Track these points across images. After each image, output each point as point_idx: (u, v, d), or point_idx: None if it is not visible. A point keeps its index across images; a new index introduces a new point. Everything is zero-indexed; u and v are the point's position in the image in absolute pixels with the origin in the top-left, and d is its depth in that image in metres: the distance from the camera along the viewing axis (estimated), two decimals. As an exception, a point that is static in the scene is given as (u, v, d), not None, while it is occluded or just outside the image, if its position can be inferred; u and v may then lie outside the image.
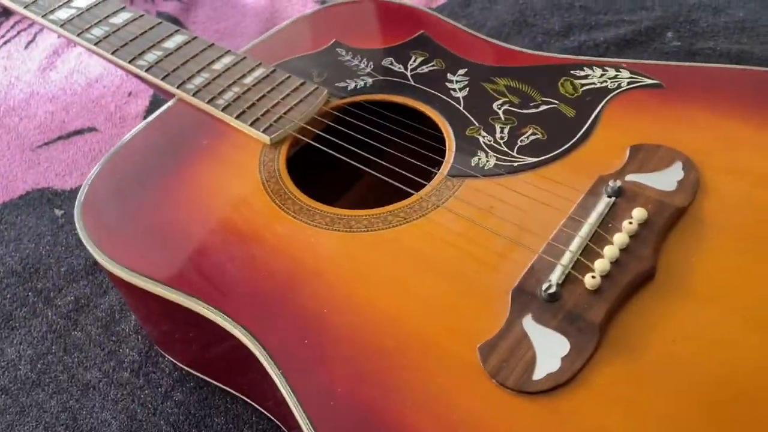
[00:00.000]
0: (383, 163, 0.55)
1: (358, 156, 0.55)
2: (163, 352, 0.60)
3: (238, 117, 0.58)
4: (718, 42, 0.87)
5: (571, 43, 0.88)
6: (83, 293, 0.65)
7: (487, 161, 0.53)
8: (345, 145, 0.56)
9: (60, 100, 0.86)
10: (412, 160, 0.55)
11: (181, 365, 0.59)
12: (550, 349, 0.40)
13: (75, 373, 0.60)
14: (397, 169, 0.54)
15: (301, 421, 0.39)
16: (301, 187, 0.53)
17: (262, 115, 0.58)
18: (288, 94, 0.60)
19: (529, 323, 0.42)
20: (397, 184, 0.52)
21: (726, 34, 0.88)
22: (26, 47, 0.95)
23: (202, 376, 0.58)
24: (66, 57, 0.92)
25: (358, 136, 0.57)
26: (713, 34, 0.88)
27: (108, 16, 0.70)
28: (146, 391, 0.58)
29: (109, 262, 0.49)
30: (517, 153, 0.53)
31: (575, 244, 0.45)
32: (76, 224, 0.52)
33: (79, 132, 0.82)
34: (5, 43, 0.96)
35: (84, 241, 0.51)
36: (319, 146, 0.57)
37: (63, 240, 0.70)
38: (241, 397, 0.56)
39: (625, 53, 0.87)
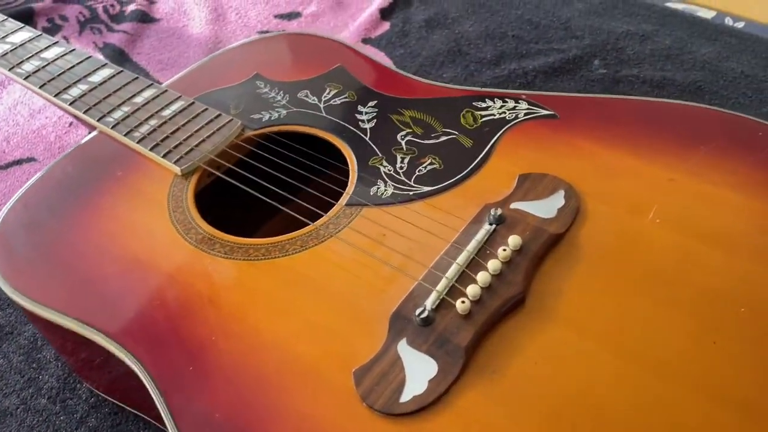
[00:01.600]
0: (290, 196, 0.57)
1: (269, 188, 0.57)
2: (80, 379, 0.62)
3: (152, 149, 0.60)
4: (643, 69, 0.90)
5: (502, 71, 0.91)
6: (8, 321, 0.67)
7: (385, 191, 0.55)
8: (255, 179, 0.58)
9: (2, 131, 0.88)
10: (319, 194, 0.57)
11: (97, 391, 0.61)
12: (419, 372, 0.42)
13: (-6, 400, 0.61)
14: (303, 203, 0.56)
15: (177, 445, 0.41)
16: (221, 220, 0.55)
17: (175, 147, 0.60)
18: (202, 126, 0.62)
19: (403, 347, 0.44)
20: (300, 217, 0.54)
21: (651, 61, 0.91)
22: (-26, 79, 0.97)
23: (115, 401, 0.60)
24: (12, 89, 0.94)
25: (270, 171, 0.59)
26: (638, 61, 0.91)
27: (40, 51, 0.72)
28: (62, 418, 0.59)
29: (11, 291, 0.51)
30: (414, 182, 0.55)
31: (452, 270, 0.47)
32: (-14, 255, 0.54)
33: (17, 162, 0.84)
34: (-46, 74, 0.98)
35: (-8, 272, 0.52)
36: (229, 179, 0.59)
37: (-7, 269, 0.72)
38: (153, 422, 0.58)
39: (553, 81, 0.90)
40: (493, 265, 0.46)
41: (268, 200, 0.57)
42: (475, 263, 0.47)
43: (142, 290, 0.50)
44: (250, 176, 0.58)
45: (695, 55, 0.91)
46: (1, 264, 0.53)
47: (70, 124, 0.88)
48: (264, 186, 0.58)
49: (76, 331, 0.49)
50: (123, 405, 0.59)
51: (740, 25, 0.99)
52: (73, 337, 0.51)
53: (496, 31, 0.98)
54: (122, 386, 0.57)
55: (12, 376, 0.63)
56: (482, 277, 0.46)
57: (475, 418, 0.40)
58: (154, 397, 0.44)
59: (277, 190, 0.57)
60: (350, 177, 0.57)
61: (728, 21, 1.00)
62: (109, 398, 0.60)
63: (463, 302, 0.44)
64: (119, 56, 0.98)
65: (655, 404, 0.40)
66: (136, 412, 0.58)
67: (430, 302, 0.45)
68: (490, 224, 0.50)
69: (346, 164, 0.58)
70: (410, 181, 0.55)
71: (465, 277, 0.46)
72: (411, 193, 0.54)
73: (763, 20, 0.99)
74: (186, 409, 0.43)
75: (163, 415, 0.43)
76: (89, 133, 0.65)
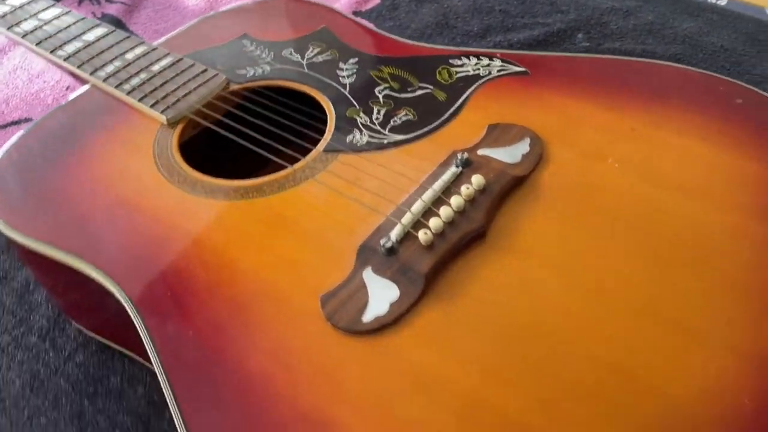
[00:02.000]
0: (275, 144, 0.60)
1: (254, 139, 0.60)
2: (69, 319, 0.65)
3: (141, 100, 0.62)
4: (625, 43, 0.92)
5: (487, 43, 0.93)
6: (2, 267, 0.70)
7: (361, 139, 0.57)
8: (240, 127, 0.61)
9: (1, 93, 0.91)
10: (301, 142, 0.59)
11: (85, 331, 0.64)
12: (382, 296, 0.45)
13: (-14, 339, 0.64)
14: (286, 150, 0.58)
15: (153, 360, 0.44)
16: (213, 172, 0.57)
17: (163, 98, 0.62)
18: (189, 80, 0.64)
19: (368, 274, 0.46)
20: (283, 162, 0.56)
21: (633, 35, 0.94)
22: (-25, 46, 1.00)
23: (103, 339, 0.62)
24: (12, 55, 0.97)
25: (257, 121, 0.62)
26: (621, 35, 0.94)
27: (38, 12, 0.75)
28: (50, 354, 0.62)
29: (6, 227, 0.54)
30: (388, 132, 0.58)
31: (417, 206, 0.49)
32: (-20, 196, 0.56)
33: (16, 123, 0.87)
34: (-43, 42, 1.01)
35: (-14, 210, 0.55)
36: (216, 128, 0.62)
37: (-11, 220, 0.75)
38: (138, 359, 0.60)
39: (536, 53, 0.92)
40: (456, 201, 0.49)
41: (253, 148, 0.59)
42: (439, 201, 0.50)
43: (128, 226, 0.53)
44: (236, 125, 0.61)
45: (677, 30, 0.94)
46: (-5, 201, 0.56)
47: (67, 87, 0.91)
48: (249, 137, 0.60)
49: (65, 263, 0.51)
50: (111, 343, 0.62)
51: (723, 2, 1.01)
52: (64, 275, 0.54)
53: (484, 5, 1.00)
54: (110, 324, 0.59)
55: (4, 316, 0.66)
56: (445, 211, 0.48)
57: (431, 335, 0.43)
58: (132, 317, 0.46)
59: (262, 138, 0.60)
60: (328, 126, 0.59)
61: (712, -1, 1.02)
62: (98, 337, 0.63)
63: (426, 234, 0.47)
64: (116, 26, 1.00)
65: (606, 331, 0.42)
66: (122, 350, 0.61)
67: (394, 234, 0.48)
68: (457, 167, 0.52)
69: (327, 117, 0.61)
70: (385, 130, 0.58)
71: (429, 212, 0.49)
72: (385, 141, 0.57)
73: (746, -2, 1.01)
74: (161, 328, 0.45)
75: (141, 335, 0.45)
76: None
